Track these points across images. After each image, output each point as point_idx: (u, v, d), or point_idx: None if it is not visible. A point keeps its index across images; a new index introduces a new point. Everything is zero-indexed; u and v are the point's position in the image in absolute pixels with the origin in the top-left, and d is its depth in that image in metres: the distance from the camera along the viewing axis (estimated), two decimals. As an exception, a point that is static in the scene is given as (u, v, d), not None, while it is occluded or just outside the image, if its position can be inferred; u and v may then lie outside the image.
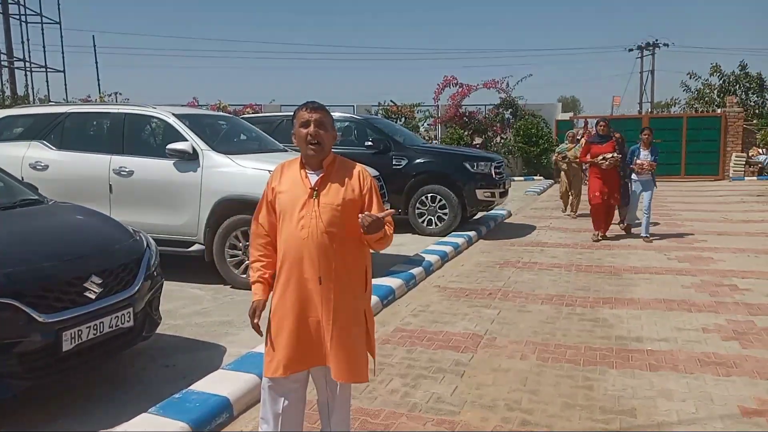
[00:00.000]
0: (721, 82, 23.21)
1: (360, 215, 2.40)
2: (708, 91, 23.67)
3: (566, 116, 22.84)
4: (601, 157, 8.82)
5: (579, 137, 12.53)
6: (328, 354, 2.49)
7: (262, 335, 2.62)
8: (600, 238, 9.03)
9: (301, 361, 2.52)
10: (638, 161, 8.87)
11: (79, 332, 3.36)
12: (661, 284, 6.39)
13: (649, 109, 39.48)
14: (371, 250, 2.65)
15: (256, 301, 2.62)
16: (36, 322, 3.16)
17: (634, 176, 9.04)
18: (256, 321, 2.60)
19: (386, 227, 2.49)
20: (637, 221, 9.51)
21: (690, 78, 23.93)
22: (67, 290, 3.37)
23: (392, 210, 2.57)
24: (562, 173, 12.02)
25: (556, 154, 12.16)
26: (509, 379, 3.95)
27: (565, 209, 12.01)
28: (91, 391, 3.74)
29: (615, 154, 8.84)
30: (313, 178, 2.53)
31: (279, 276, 2.56)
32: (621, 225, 9.71)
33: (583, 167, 10.98)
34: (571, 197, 11.83)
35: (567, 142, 12.10)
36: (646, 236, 9.01)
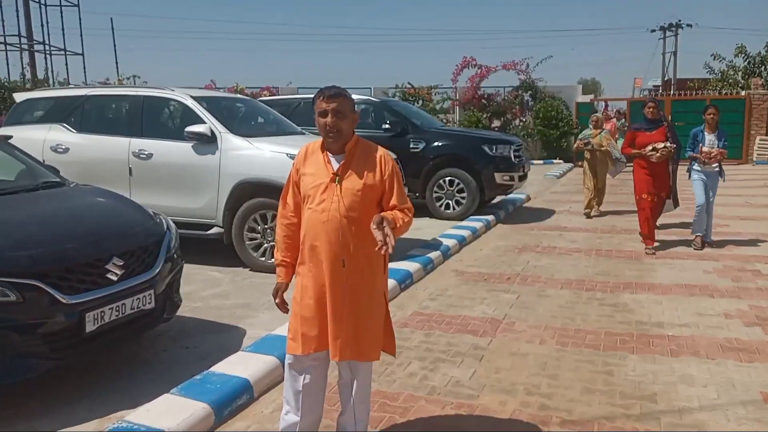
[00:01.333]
0: (746, 63, 22.72)
1: (372, 226, 2.36)
2: (732, 72, 23.20)
3: (587, 98, 22.51)
4: (650, 148, 7.01)
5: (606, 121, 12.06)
6: (342, 333, 2.53)
7: (286, 313, 2.69)
8: (654, 251, 7.16)
9: (321, 340, 2.57)
10: (705, 149, 7.14)
11: (102, 313, 3.40)
12: (682, 269, 6.32)
13: (672, 91, 38.83)
14: None
15: (279, 283, 2.72)
16: (59, 303, 3.20)
17: (696, 167, 7.30)
18: (278, 301, 2.70)
19: (401, 215, 2.52)
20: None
21: (714, 59, 23.46)
22: (89, 272, 3.40)
23: (397, 218, 2.50)
24: (585, 164, 10.23)
25: (578, 141, 10.25)
26: (528, 364, 3.93)
27: (590, 210, 9.86)
28: (113, 372, 3.79)
29: (668, 144, 6.99)
30: (335, 163, 2.56)
31: (301, 257, 2.62)
32: (696, 244, 7.36)
33: (615, 157, 9.72)
34: (591, 192, 9.90)
35: (591, 127, 10.26)
36: (709, 241, 7.40)
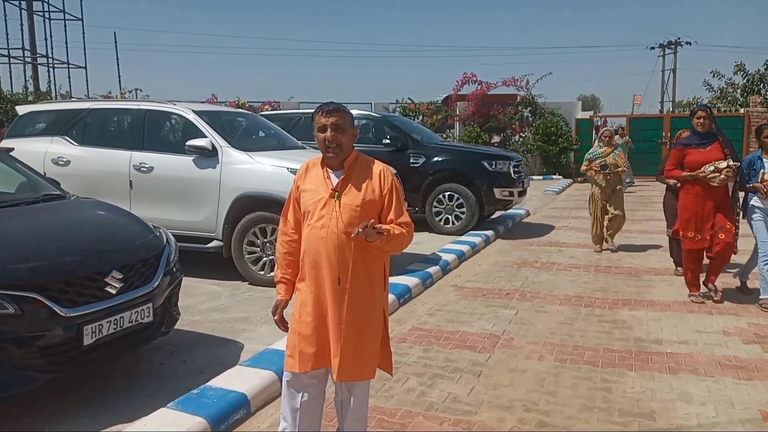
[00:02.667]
0: (744, 81, 22.83)
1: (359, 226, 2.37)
2: (731, 90, 23.29)
3: (586, 115, 22.63)
4: (711, 168, 5.44)
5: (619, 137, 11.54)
6: (341, 353, 2.50)
7: (285, 331, 2.68)
8: (702, 298, 5.80)
9: (319, 358, 2.54)
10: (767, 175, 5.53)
11: (100, 326, 3.40)
12: (681, 286, 6.29)
13: (671, 109, 39.01)
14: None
15: (279, 300, 2.71)
16: (58, 316, 3.20)
17: (755, 201, 5.61)
18: (277, 318, 2.69)
19: (398, 228, 2.51)
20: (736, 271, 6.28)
21: (713, 77, 23.56)
22: (88, 285, 3.41)
23: (391, 227, 2.50)
24: (596, 190, 8.22)
25: (590, 163, 8.15)
26: (526, 380, 3.93)
27: (600, 247, 8.31)
28: (110, 385, 3.78)
29: (730, 162, 5.47)
30: (335, 179, 2.56)
31: (301, 273, 2.61)
32: (740, 286, 6.18)
33: (627, 181, 8.89)
34: (600, 224, 8.26)
35: (601, 144, 8.29)
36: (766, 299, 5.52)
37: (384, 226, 2.44)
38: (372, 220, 2.39)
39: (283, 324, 2.70)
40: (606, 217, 8.30)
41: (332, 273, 2.49)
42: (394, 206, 2.56)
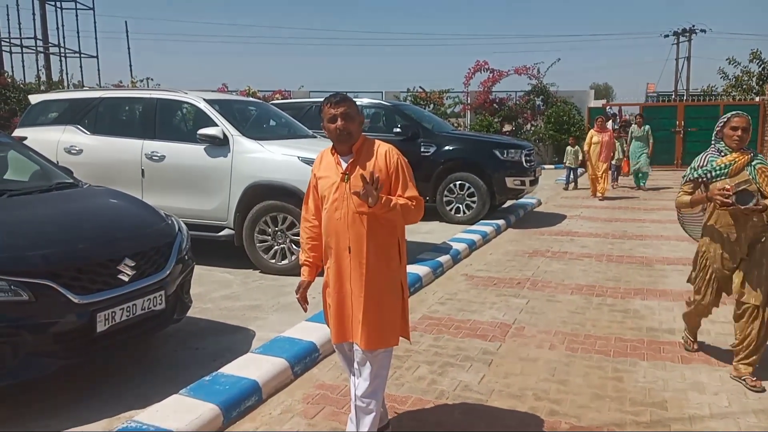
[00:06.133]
0: (760, 69, 22.51)
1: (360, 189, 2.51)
2: (747, 78, 22.98)
3: (599, 103, 22.41)
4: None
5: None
6: (358, 326, 2.68)
7: (305, 310, 2.99)
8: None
9: (346, 332, 2.76)
10: None
11: (113, 314, 3.43)
12: (694, 276, 6.26)
13: (685, 97, 38.60)
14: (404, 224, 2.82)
15: (301, 281, 2.93)
16: (71, 303, 3.23)
17: None
18: (299, 296, 2.93)
19: (403, 199, 2.65)
20: None
21: (729, 64, 23.25)
22: (101, 272, 3.43)
23: (394, 197, 2.65)
24: (709, 249, 3.85)
25: (689, 188, 3.88)
26: (537, 369, 3.92)
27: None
28: (122, 372, 3.82)
29: None
30: (344, 163, 2.73)
31: (325, 255, 2.82)
32: None
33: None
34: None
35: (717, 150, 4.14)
36: None
37: (385, 195, 2.59)
38: (375, 177, 2.50)
39: (304, 301, 2.94)
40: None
41: (346, 246, 2.69)
42: (401, 182, 2.70)
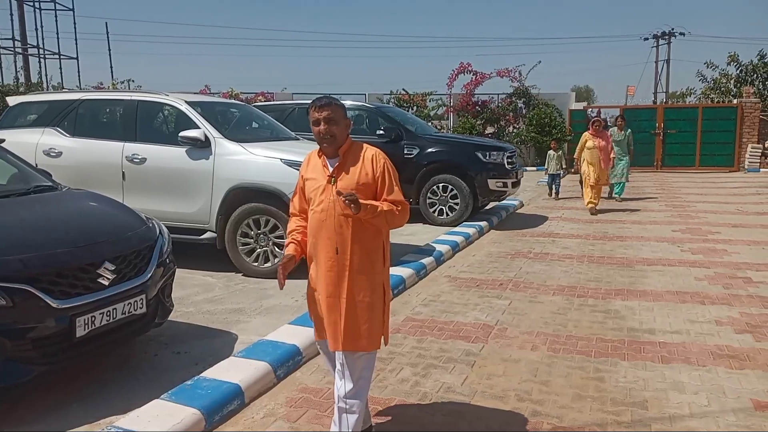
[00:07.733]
0: (738, 71, 22.87)
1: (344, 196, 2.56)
2: (724, 81, 23.34)
3: (580, 106, 22.62)
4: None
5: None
6: (344, 324, 2.71)
7: (282, 287, 2.84)
8: None
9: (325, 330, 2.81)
10: None
11: (93, 318, 3.39)
12: (673, 276, 6.34)
13: (664, 99, 39.07)
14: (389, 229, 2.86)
15: (286, 254, 2.90)
16: (50, 308, 3.19)
17: None
18: (280, 265, 2.83)
19: (386, 204, 2.68)
20: None
21: (707, 67, 23.60)
22: (80, 276, 3.39)
23: (379, 203, 2.69)
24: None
25: None
26: (520, 370, 3.94)
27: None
28: (103, 377, 3.77)
29: None
30: (331, 166, 2.77)
31: (309, 254, 2.84)
32: None
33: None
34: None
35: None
36: None
37: (369, 202, 2.63)
38: (352, 193, 2.55)
39: (284, 274, 2.80)
40: None
41: (332, 249, 2.72)
42: (386, 186, 2.74)
